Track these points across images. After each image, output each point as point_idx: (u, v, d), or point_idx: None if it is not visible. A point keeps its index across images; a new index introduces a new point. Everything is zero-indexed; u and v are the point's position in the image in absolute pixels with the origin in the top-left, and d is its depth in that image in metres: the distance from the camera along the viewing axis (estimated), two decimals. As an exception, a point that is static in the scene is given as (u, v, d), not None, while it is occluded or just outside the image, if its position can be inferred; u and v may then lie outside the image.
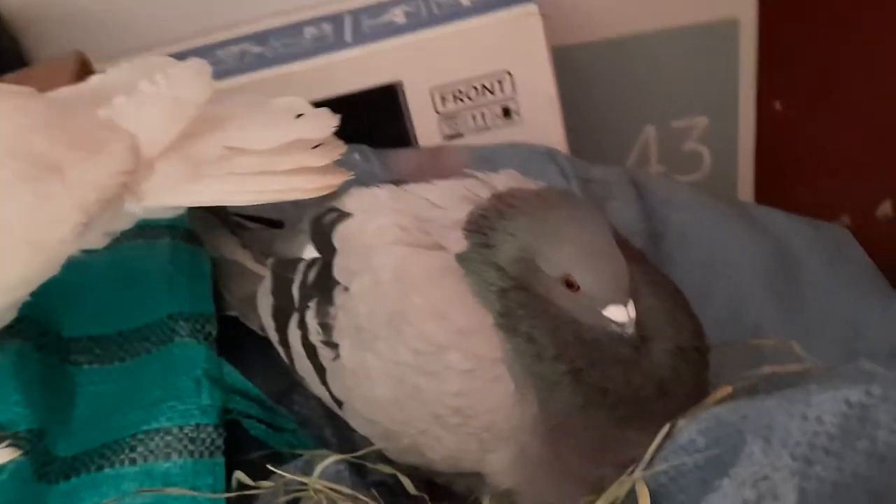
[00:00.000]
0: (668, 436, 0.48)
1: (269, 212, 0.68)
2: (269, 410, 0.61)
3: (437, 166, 0.80)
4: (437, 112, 0.86)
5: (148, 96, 0.53)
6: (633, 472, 0.49)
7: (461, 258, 0.52)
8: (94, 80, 0.59)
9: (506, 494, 0.52)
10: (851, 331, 0.61)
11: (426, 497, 0.53)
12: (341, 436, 0.62)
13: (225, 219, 0.67)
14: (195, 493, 0.53)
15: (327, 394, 0.58)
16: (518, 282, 0.50)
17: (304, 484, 0.54)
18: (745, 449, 0.43)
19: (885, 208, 1.14)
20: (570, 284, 0.49)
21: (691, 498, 0.47)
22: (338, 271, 0.56)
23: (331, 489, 0.52)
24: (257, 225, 0.68)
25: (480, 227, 0.53)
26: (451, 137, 0.87)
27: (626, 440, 0.49)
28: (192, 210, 0.65)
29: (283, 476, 0.53)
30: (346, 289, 0.55)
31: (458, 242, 0.53)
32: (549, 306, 0.50)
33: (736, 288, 0.67)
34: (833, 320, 0.62)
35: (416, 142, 0.86)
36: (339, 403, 0.57)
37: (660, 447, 0.48)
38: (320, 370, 0.57)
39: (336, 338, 0.55)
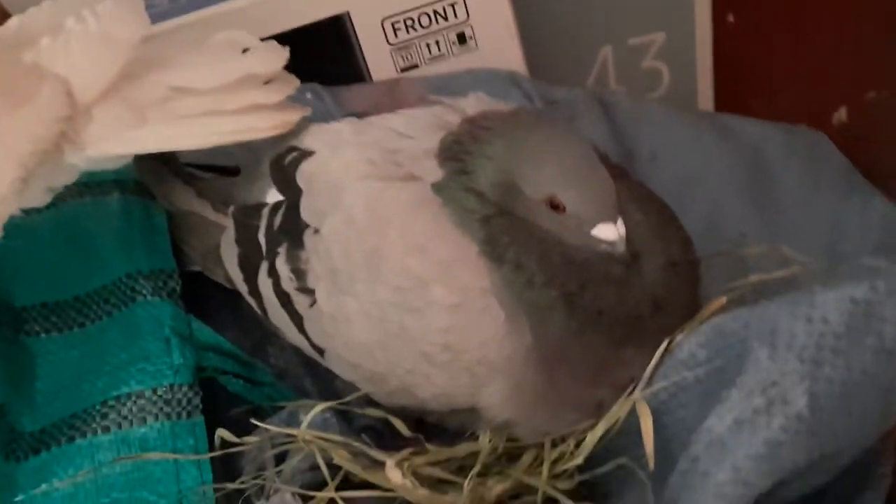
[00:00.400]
0: (666, 352, 0.47)
1: (221, 158, 0.64)
2: (246, 364, 0.58)
3: (394, 100, 0.76)
4: (389, 43, 0.82)
5: (76, 35, 0.49)
6: (632, 392, 0.47)
7: (438, 188, 0.49)
8: (13, 23, 0.53)
9: (503, 426, 0.50)
10: (834, 232, 0.60)
11: (420, 437, 0.51)
12: (322, 384, 0.59)
13: (176, 169, 0.62)
14: (177, 457, 0.50)
15: (306, 342, 0.55)
16: (501, 207, 0.48)
17: (292, 436, 0.51)
18: (750, 357, 0.41)
19: (840, 115, 1.14)
20: (555, 206, 0.46)
21: (693, 413, 0.46)
22: (306, 213, 0.53)
23: (320, 438, 0.50)
24: (211, 174, 0.65)
25: (455, 153, 0.50)
26: (407, 69, 0.83)
27: (624, 360, 0.47)
28: (141, 162, 0.61)
29: (268, 430, 0.51)
30: (317, 231, 0.52)
31: (432, 172, 0.50)
32: (534, 230, 0.47)
33: (713, 201, 0.65)
34: (814, 223, 0.61)
35: (370, 76, 0.82)
36: (321, 351, 0.54)
37: (658, 364, 0.47)
38: (297, 318, 0.54)
39: (311, 283, 0.53)
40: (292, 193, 0.54)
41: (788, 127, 0.69)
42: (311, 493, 0.47)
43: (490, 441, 0.51)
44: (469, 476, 0.49)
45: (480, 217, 0.48)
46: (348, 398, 0.52)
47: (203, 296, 0.61)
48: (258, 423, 0.51)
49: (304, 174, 0.54)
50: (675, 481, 0.42)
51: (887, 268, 0.40)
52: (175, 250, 0.61)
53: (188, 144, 0.51)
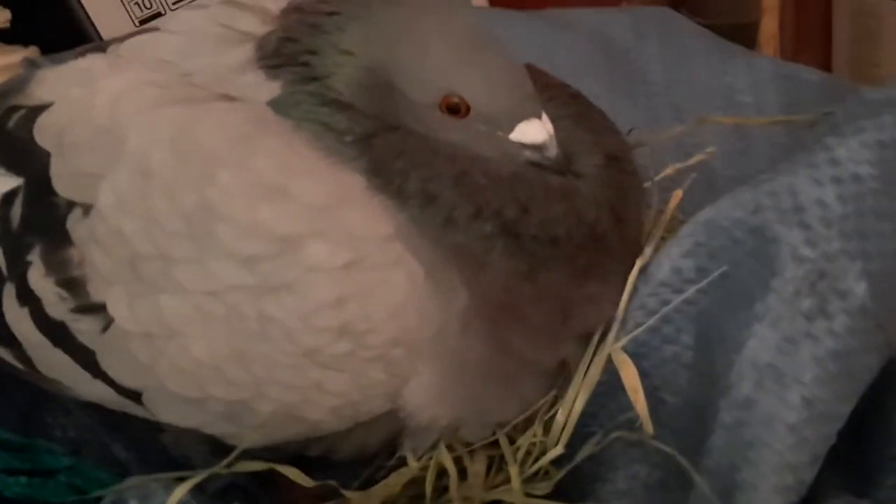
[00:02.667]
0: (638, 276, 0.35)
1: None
2: (21, 450, 0.39)
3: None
4: (121, -7, 0.64)
5: None
6: (601, 340, 0.35)
7: (279, 104, 0.34)
8: None
9: (441, 432, 0.35)
10: (729, 94, 0.51)
11: (332, 483, 0.35)
12: (141, 445, 0.42)
13: None
14: None
15: (109, 389, 0.36)
16: (381, 120, 0.33)
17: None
18: (779, 250, 0.30)
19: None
20: (455, 108, 0.33)
21: (689, 345, 0.35)
22: (63, 184, 0.35)
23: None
24: None
25: (291, 55, 0.34)
26: (148, 19, 0.65)
27: (590, 297, 0.35)
28: None
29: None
30: (88, 209, 0.34)
31: (259, 87, 0.34)
32: (437, 146, 0.33)
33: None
34: (700, 92, 0.52)
35: (101, 35, 0.63)
36: (135, 395, 0.36)
37: (631, 295, 0.35)
38: (84, 356, 0.36)
39: (96, 295, 0.34)
40: (33, 167, 0.36)
41: (631, 9, 0.60)
42: None
43: (421, 460, 0.36)
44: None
45: (356, 137, 0.33)
46: (211, 470, 0.34)
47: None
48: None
49: (47, 131, 0.36)
50: (721, 441, 0.31)
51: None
52: None
53: None
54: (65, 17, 0.63)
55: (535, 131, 0.33)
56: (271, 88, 0.34)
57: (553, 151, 0.33)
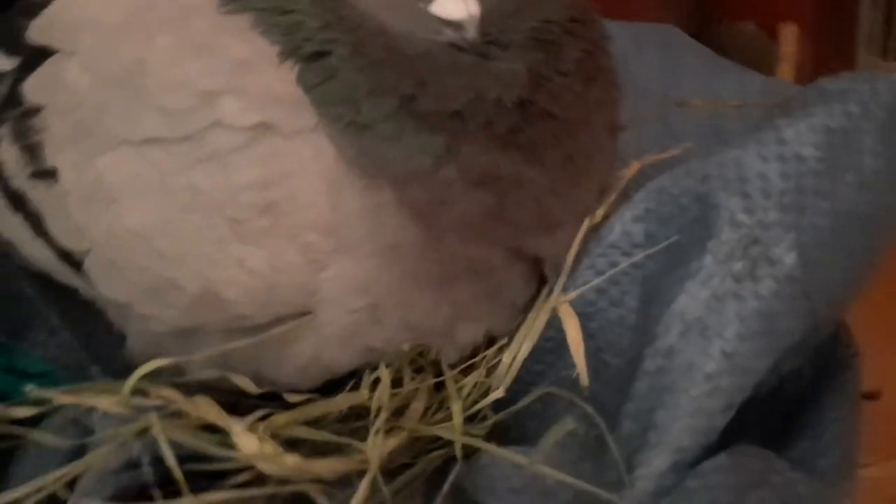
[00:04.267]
0: (586, 236, 0.37)
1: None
2: (2, 348, 0.41)
3: None
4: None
5: None
6: (549, 295, 0.37)
7: None
8: None
9: (353, 339, 0.35)
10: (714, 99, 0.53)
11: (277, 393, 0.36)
12: (118, 371, 0.41)
13: None
14: None
15: (50, 254, 0.38)
16: None
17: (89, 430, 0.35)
18: (718, 215, 0.32)
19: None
20: None
21: (631, 309, 0.36)
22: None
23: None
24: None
25: None
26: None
27: (522, 183, 0.33)
28: None
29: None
30: (55, 69, 0.37)
31: None
32: (348, 12, 0.33)
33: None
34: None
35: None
36: (76, 263, 0.37)
37: (578, 252, 0.37)
38: (33, 219, 0.38)
39: (50, 158, 0.36)
40: (23, 51, 0.39)
41: (633, 23, 0.62)
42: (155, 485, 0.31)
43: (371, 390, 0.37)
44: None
45: (279, 2, 0.34)
46: (167, 361, 0.35)
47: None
48: (45, 395, 0.34)
49: (41, 24, 0.39)
50: (642, 387, 0.32)
51: (855, 85, 0.33)
52: None
53: None
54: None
55: (453, 6, 0.31)
56: None
57: (471, 33, 0.32)
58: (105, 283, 0.37)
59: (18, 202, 0.38)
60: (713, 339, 0.31)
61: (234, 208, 0.33)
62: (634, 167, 0.39)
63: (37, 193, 0.37)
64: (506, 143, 0.32)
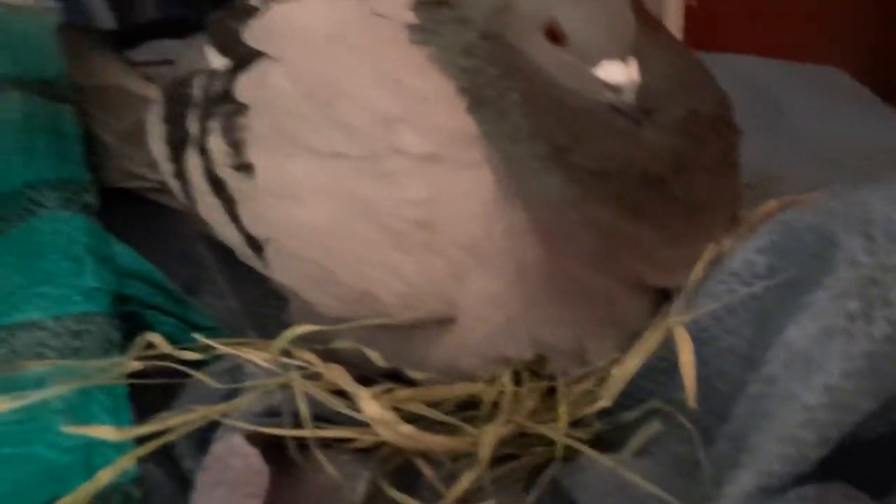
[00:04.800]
0: (710, 263, 0.38)
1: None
2: (180, 302, 0.47)
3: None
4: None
5: None
6: (666, 316, 0.38)
7: (416, 28, 0.39)
8: None
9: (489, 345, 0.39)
10: (866, 145, 0.52)
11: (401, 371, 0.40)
12: (269, 335, 0.47)
13: (102, 37, 0.52)
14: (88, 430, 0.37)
15: (239, 236, 0.44)
16: (488, 32, 0.38)
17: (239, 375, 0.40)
18: (838, 253, 0.33)
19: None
20: (555, 35, 0.36)
21: (747, 340, 0.37)
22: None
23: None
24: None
25: None
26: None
27: (640, 242, 0.37)
28: (63, 32, 0.51)
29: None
30: (262, 72, 0.42)
31: (411, 20, 0.40)
32: (525, 64, 0.37)
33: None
34: (838, 152, 0.54)
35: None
36: (258, 247, 0.43)
37: (702, 277, 0.38)
38: (228, 204, 0.44)
39: (250, 155, 0.42)
40: (236, 51, 0.44)
41: (797, 64, 0.62)
42: (278, 432, 0.36)
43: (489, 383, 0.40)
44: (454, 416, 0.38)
45: (462, 46, 0.37)
46: (313, 329, 0.40)
47: (126, 228, 0.50)
48: (211, 344, 0.40)
49: (255, 29, 0.44)
50: (741, 410, 0.33)
51: None
52: (93, 165, 0.49)
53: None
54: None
55: (617, 72, 0.35)
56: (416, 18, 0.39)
57: (630, 97, 0.35)
58: (279, 270, 0.42)
59: (219, 187, 0.43)
60: (816, 372, 0.31)
61: (397, 220, 0.37)
62: (772, 205, 0.39)
63: (234, 183, 0.43)
64: (633, 211, 0.36)
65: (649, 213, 0.36)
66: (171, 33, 0.66)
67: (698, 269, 0.38)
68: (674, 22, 1.05)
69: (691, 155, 0.36)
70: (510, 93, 0.37)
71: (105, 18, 0.73)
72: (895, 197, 0.33)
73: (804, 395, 0.31)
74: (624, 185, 0.36)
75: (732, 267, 0.37)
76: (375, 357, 0.39)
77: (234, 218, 0.43)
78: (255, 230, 0.42)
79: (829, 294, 0.32)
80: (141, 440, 0.38)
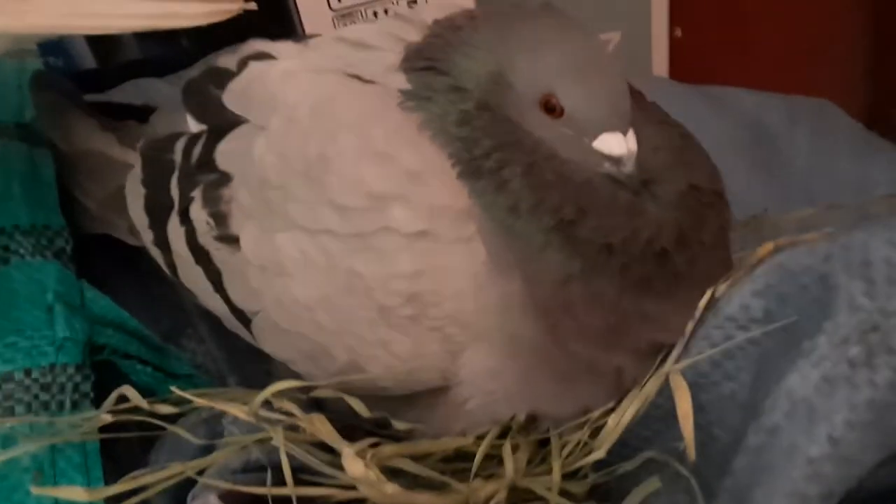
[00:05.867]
0: (706, 308, 0.37)
1: (135, 94, 0.52)
2: (156, 350, 0.46)
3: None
4: (332, 9, 0.73)
5: None
6: (662, 362, 0.37)
7: (408, 93, 0.38)
8: None
9: (489, 415, 0.38)
10: (860, 195, 0.52)
11: (386, 418, 0.38)
12: (252, 383, 0.46)
13: (78, 102, 0.50)
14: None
15: (226, 308, 0.42)
16: (484, 102, 0.37)
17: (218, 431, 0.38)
18: (837, 297, 0.32)
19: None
20: (551, 107, 0.35)
21: (745, 385, 0.36)
22: (233, 137, 0.41)
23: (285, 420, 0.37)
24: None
25: (426, 56, 0.38)
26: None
27: (646, 314, 0.36)
28: (39, 94, 0.50)
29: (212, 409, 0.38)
30: (244, 141, 0.40)
31: (396, 80, 0.39)
32: (524, 136, 0.36)
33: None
34: (835, 188, 0.53)
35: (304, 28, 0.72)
36: (246, 320, 0.42)
37: (697, 324, 0.37)
38: (214, 274, 0.42)
39: (235, 228, 0.40)
40: (214, 119, 0.43)
41: (792, 98, 0.62)
42: (257, 490, 0.34)
43: (479, 437, 0.39)
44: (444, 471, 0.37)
45: (458, 114, 0.36)
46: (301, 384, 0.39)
47: (104, 272, 0.48)
48: (187, 396, 0.38)
49: (234, 92, 0.42)
50: (743, 463, 0.32)
51: None
52: (68, 210, 0.48)
53: (90, 26, 0.39)
54: (281, 21, 0.72)
55: (616, 143, 0.35)
56: (406, 82, 0.38)
57: (629, 168, 0.35)
58: (269, 342, 0.41)
59: (203, 257, 0.42)
60: (820, 423, 0.30)
61: (384, 294, 0.36)
62: (767, 248, 0.38)
63: (220, 254, 0.41)
64: (636, 285, 0.35)
65: (653, 286, 0.36)
66: (150, 72, 0.65)
67: (695, 315, 0.36)
68: (659, 52, 1.07)
69: (693, 230, 0.36)
70: (510, 165, 0.36)
71: (86, 58, 0.72)
72: (894, 239, 0.32)
73: (807, 447, 0.30)
74: (628, 259, 0.35)
75: (728, 311, 0.36)
76: (359, 407, 0.37)
77: (218, 288, 0.42)
78: (243, 303, 0.41)
79: (830, 340, 0.31)
80: (113, 498, 0.36)
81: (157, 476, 0.35)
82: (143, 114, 0.51)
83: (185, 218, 0.43)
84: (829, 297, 0.32)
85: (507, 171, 0.36)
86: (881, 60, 0.88)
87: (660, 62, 1.00)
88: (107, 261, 0.50)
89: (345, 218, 0.36)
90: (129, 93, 0.60)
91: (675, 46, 1.08)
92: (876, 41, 0.88)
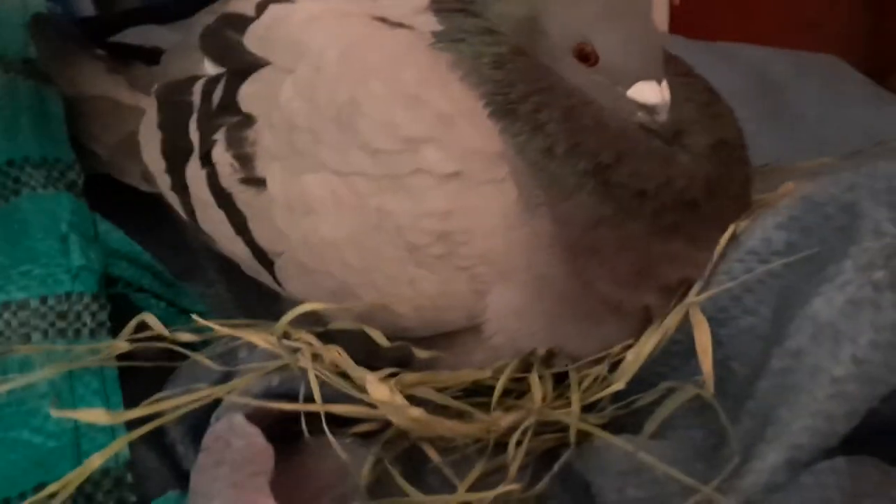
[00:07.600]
0: (729, 242, 0.37)
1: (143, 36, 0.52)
2: (170, 285, 0.45)
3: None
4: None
5: None
6: (683, 296, 0.37)
7: (440, 35, 0.38)
8: None
9: (516, 353, 0.38)
10: (876, 133, 0.52)
11: (407, 346, 0.38)
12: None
13: (83, 45, 0.49)
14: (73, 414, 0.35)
15: (247, 250, 0.42)
16: (519, 47, 0.37)
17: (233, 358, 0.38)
18: (862, 224, 0.32)
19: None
20: (585, 56, 0.36)
21: (767, 319, 0.36)
22: (257, 79, 0.41)
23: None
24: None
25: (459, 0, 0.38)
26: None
27: (674, 256, 0.36)
28: (41, 39, 0.49)
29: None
30: (268, 83, 0.40)
31: (428, 25, 0.39)
32: (559, 83, 0.36)
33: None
34: (842, 139, 0.53)
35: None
36: (269, 261, 0.41)
37: (718, 259, 0.37)
38: (237, 218, 0.42)
39: (260, 170, 0.40)
40: (235, 60, 0.42)
41: (799, 53, 0.62)
42: (287, 406, 0.34)
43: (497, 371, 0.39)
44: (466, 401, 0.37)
45: (492, 57, 0.37)
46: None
47: (113, 211, 0.48)
48: (209, 324, 0.38)
49: (254, 36, 0.42)
50: (766, 386, 0.32)
51: None
52: (79, 152, 0.47)
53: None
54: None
55: (651, 92, 0.35)
56: (436, 27, 0.38)
57: (663, 116, 0.36)
58: (293, 283, 0.41)
59: (226, 200, 0.41)
60: (844, 344, 0.30)
61: (415, 233, 0.36)
62: (788, 187, 0.38)
63: (244, 196, 0.41)
64: (666, 229, 0.36)
65: (684, 231, 0.36)
66: (149, 20, 0.64)
67: (717, 250, 0.37)
68: (658, 18, 1.07)
69: (721, 182, 0.37)
70: (548, 108, 0.36)
71: (85, 5, 0.71)
72: (919, 166, 0.32)
73: (832, 367, 0.30)
74: (660, 206, 0.35)
75: (750, 245, 0.36)
76: (378, 336, 0.37)
77: (242, 231, 0.41)
78: (268, 244, 0.41)
79: (855, 264, 0.31)
80: (132, 424, 0.36)
81: (179, 400, 0.35)
82: (151, 56, 0.50)
83: (206, 161, 0.42)
84: (854, 225, 0.32)
85: (544, 114, 0.36)
86: (881, 24, 0.89)
87: (658, 25, 1.01)
88: (115, 202, 0.49)
89: (377, 160, 0.36)
90: (132, 40, 0.59)
91: (674, 13, 1.09)
92: (876, 3, 0.88)
